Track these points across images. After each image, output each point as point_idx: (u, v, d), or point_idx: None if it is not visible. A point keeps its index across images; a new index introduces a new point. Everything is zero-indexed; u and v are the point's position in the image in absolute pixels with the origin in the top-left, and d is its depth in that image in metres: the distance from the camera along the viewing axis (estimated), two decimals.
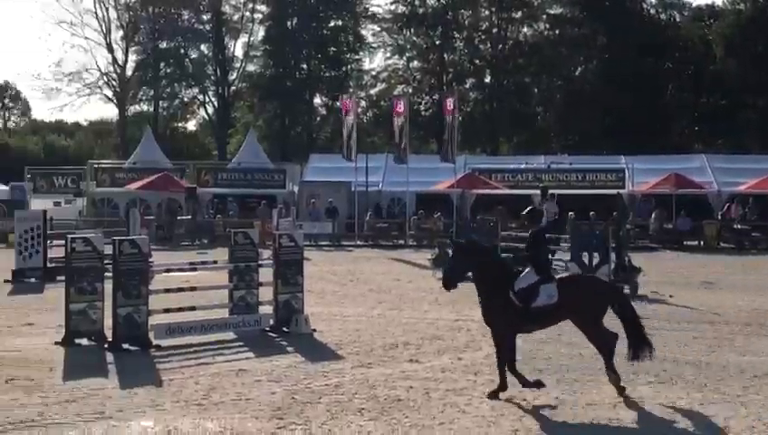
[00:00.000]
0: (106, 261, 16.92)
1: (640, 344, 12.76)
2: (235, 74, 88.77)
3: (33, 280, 26.80)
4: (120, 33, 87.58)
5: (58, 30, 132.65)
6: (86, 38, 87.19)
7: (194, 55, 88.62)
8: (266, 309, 18.33)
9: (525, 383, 12.59)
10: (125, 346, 15.82)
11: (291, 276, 18.24)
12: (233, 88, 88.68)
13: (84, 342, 16.28)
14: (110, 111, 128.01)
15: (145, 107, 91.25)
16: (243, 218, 44.52)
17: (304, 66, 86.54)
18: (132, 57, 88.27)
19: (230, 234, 19.05)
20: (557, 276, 13.11)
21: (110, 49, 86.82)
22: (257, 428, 11.08)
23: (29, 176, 53.99)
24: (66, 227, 37.44)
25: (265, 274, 18.77)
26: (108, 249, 16.91)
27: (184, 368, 14.48)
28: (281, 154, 74.00)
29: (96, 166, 56.85)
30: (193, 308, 17.79)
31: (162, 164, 55.41)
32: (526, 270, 12.78)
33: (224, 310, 18.33)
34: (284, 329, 17.79)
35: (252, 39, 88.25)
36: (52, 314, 19.47)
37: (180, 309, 17.66)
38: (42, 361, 14.93)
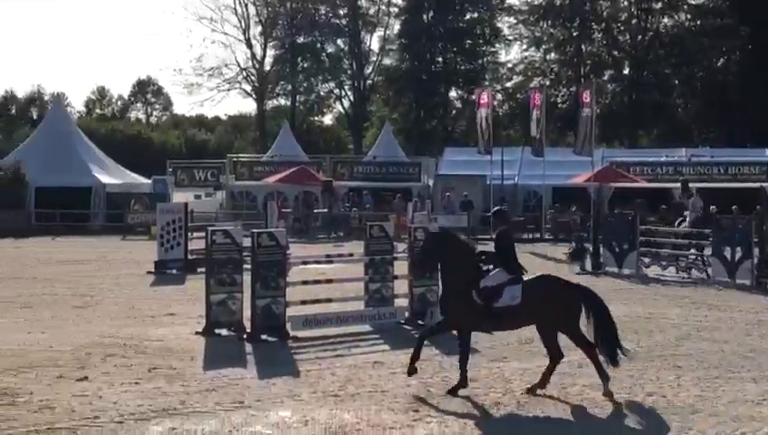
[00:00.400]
0: (245, 253, 17.18)
1: (614, 349, 12.38)
2: (370, 68, 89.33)
3: (174, 271, 27.34)
4: (259, 28, 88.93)
5: (199, 26, 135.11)
6: (225, 34, 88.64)
7: (330, 50, 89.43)
8: (402, 302, 18.37)
9: (464, 379, 12.41)
10: (263, 337, 16.04)
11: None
12: (368, 82, 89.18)
13: (224, 332, 16.56)
14: (249, 106, 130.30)
15: (282, 101, 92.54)
16: (378, 212, 44.67)
17: (440, 59, 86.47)
18: (270, 52, 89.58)
19: (365, 227, 19.14)
20: (525, 278, 12.64)
21: (249, 44, 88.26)
22: (393, 420, 11.10)
23: (171, 169, 55.21)
24: (206, 220, 38.12)
25: (400, 266, 18.80)
26: (246, 241, 17.18)
27: (320, 359, 14.61)
28: (416, 147, 74.12)
29: (235, 159, 57.82)
30: (329, 300, 17.97)
31: (299, 157, 56.08)
32: (496, 270, 12.54)
33: (359, 302, 18.43)
34: (419, 322, 17.79)
35: (387, 33, 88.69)
36: (193, 304, 19.89)
37: (317, 301, 17.85)
38: (183, 350, 15.24)
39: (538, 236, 44.47)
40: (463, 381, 12.43)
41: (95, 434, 10.37)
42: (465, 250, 12.96)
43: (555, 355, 12.53)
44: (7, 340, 16.02)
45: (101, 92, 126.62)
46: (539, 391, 12.35)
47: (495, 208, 14.29)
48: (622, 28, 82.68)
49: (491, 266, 12.65)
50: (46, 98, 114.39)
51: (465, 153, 55.22)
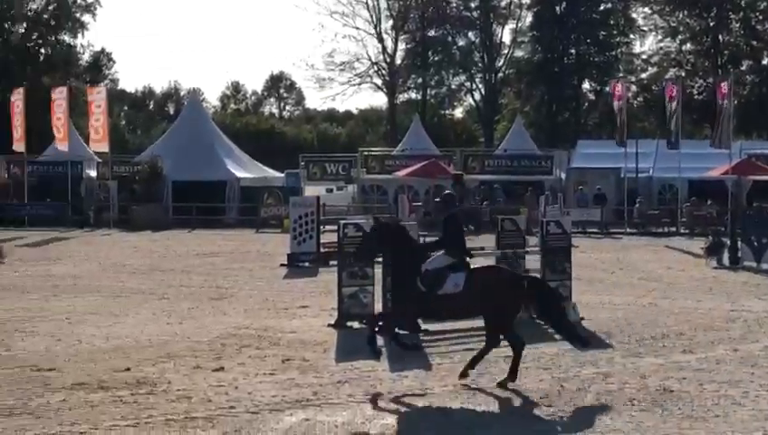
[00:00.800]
0: None
1: (573, 334, 12.62)
2: (501, 61, 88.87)
3: (306, 264, 27.61)
4: (390, 22, 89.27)
5: (330, 21, 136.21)
6: (357, 28, 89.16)
7: (461, 43, 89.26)
8: None
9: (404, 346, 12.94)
10: (395, 330, 16.04)
11: (558, 264, 18.04)
12: (500, 74, 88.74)
13: (356, 324, 16.65)
14: (380, 100, 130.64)
15: (413, 95, 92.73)
16: (509, 205, 44.43)
17: (572, 51, 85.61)
18: (401, 46, 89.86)
19: (497, 221, 19.04)
20: (474, 266, 12.67)
21: (380, 38, 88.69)
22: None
23: (303, 163, 55.86)
24: (338, 213, 38.49)
25: (532, 261, 18.64)
26: None
27: (452, 353, 14.57)
28: (548, 140, 73.40)
29: (366, 153, 58.19)
30: None
31: (430, 151, 56.09)
32: (438, 253, 12.51)
33: None
34: None
35: (519, 25, 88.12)
36: (325, 297, 20.07)
37: None
38: (316, 342, 15.39)
39: (674, 229, 43.68)
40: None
41: (231, 424, 10.52)
42: (406, 239, 13.02)
43: (491, 343, 12.60)
44: (146, 331, 16.41)
45: (236, 88, 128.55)
46: (510, 385, 12.23)
47: (444, 193, 14.34)
48: (761, 17, 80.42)
49: (433, 253, 12.74)
50: (182, 93, 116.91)
51: (598, 146, 54.59)
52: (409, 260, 12.60)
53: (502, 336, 12.52)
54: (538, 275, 13.47)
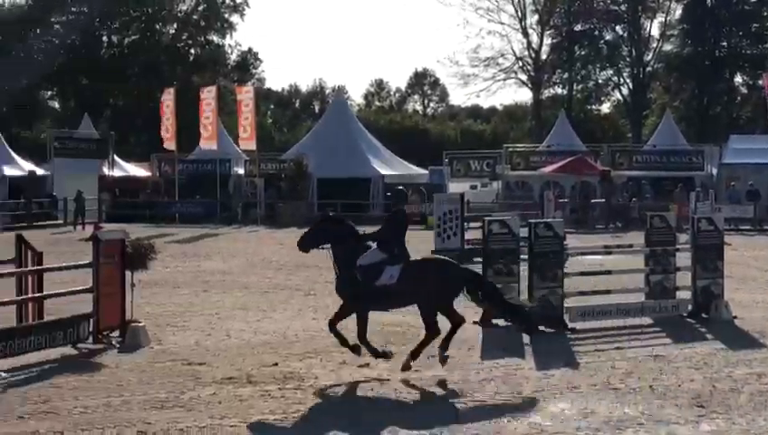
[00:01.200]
0: (521, 243, 17.09)
1: (518, 316, 13.26)
2: (650, 55, 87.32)
3: None
4: (536, 17, 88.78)
5: (475, 17, 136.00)
6: (502, 24, 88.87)
7: (608, 37, 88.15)
8: (684, 294, 17.78)
9: (375, 354, 12.99)
10: (540, 328, 15.91)
11: (710, 261, 17.57)
12: (648, 69, 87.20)
13: (501, 322, 16.52)
14: (525, 95, 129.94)
15: (559, 90, 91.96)
16: (658, 202, 43.56)
17: (724, 44, 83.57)
18: (547, 41, 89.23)
19: (645, 217, 18.67)
20: (411, 259, 13.00)
21: (526, 33, 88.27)
22: (677, 415, 10.74)
23: (447, 160, 55.85)
24: (482, 210, 38.28)
25: (683, 258, 18.21)
26: (523, 232, 17.09)
27: (599, 351, 14.36)
28: (698, 135, 71.84)
29: (511, 149, 57.85)
30: (608, 292, 17.61)
31: (576, 147, 55.47)
32: (372, 248, 12.98)
33: (639, 294, 17.96)
34: (703, 315, 17.18)
35: (669, 18, 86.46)
36: None
37: (595, 292, 17.53)
38: (460, 339, 15.22)
39: None
40: (375, 353, 13.02)
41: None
42: (348, 232, 13.30)
43: (432, 331, 12.88)
44: (293, 326, 16.61)
45: (380, 85, 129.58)
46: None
47: (397, 188, 14.99)
48: None
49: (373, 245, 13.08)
50: (327, 92, 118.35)
51: (752, 141, 53.18)
52: (351, 254, 13.03)
53: (425, 319, 12.91)
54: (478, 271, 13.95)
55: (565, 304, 16.32)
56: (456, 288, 12.99)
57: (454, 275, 13.03)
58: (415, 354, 12.87)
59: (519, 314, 13.37)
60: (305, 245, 13.56)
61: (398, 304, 13.49)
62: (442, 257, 13.67)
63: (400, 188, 15.22)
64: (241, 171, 53.34)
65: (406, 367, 12.78)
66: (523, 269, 16.68)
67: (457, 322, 12.97)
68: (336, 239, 13.22)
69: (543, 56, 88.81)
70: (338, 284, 13.36)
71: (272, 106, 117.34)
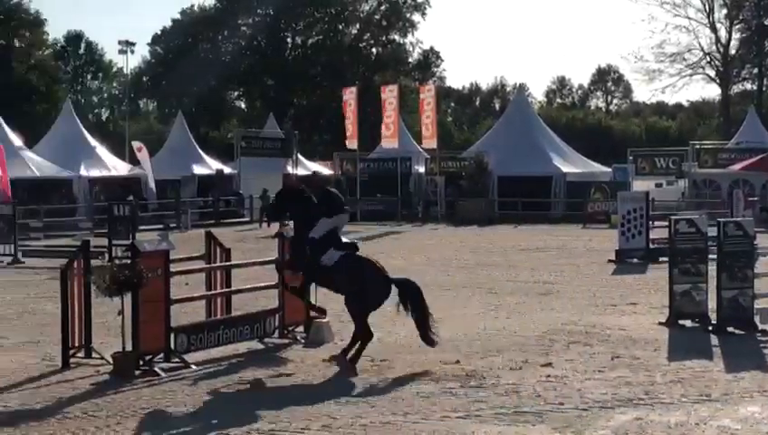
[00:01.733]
0: (710, 243, 16.65)
1: (426, 333, 13.19)
2: None
3: (635, 260, 27.08)
4: (724, 11, 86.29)
5: (661, 12, 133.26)
6: (688, 18, 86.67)
7: None
8: None
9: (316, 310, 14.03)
10: (729, 329, 15.48)
11: None
12: None
13: (688, 323, 16.14)
14: (712, 91, 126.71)
15: (748, 85, 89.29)
16: None
17: None
18: (735, 35, 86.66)
19: None
20: (356, 253, 13.30)
21: (713, 28, 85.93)
22: None
23: (631, 157, 54.85)
24: (667, 209, 37.48)
25: None
26: (711, 231, 16.64)
27: None
28: None
29: (698, 147, 56.37)
30: None
31: (766, 144, 53.62)
32: (321, 220, 13.16)
33: None
34: None
35: None
36: (655, 294, 19.63)
37: None
38: (646, 340, 15.02)
39: None
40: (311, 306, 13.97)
41: (560, 420, 10.44)
42: (306, 205, 13.43)
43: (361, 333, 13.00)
44: (476, 324, 16.59)
45: (561, 82, 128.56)
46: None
47: (312, 171, 16.13)
48: None
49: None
50: (508, 89, 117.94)
51: None
52: (304, 226, 13.34)
53: (355, 323, 13.09)
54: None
55: (755, 306, 15.80)
56: (379, 300, 13.21)
57: (382, 285, 13.24)
58: (353, 358, 12.97)
59: (427, 333, 13.33)
60: (270, 218, 14.52)
61: (326, 285, 13.66)
62: (379, 265, 13.48)
63: (317, 173, 16.26)
64: (422, 170, 53.64)
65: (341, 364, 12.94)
66: (711, 269, 16.24)
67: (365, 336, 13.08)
68: (295, 212, 13.62)
69: (732, 51, 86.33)
70: (291, 255, 13.98)
71: (452, 104, 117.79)
